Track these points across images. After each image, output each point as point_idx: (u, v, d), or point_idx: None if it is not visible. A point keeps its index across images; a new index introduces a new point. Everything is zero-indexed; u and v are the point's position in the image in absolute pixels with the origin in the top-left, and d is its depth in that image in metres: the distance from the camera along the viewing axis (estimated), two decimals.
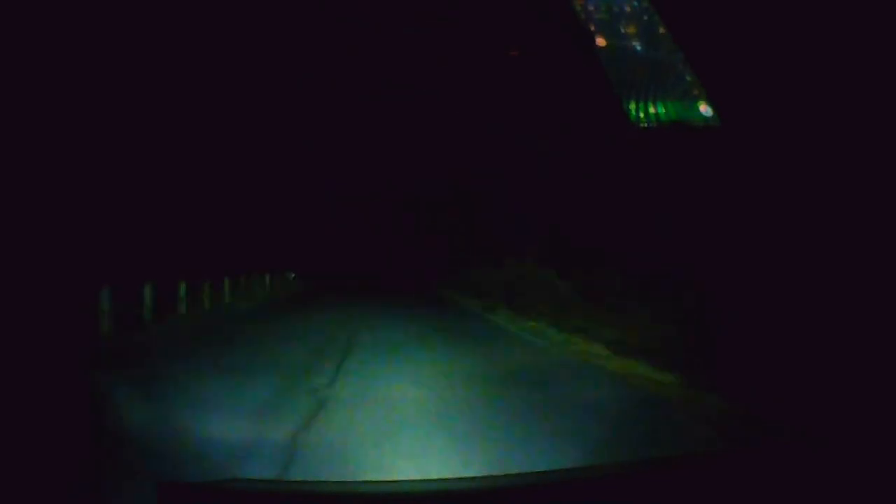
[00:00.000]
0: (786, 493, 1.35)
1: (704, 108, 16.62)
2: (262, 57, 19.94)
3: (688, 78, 17.25)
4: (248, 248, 18.15)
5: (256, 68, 19.65)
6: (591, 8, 18.74)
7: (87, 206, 10.36)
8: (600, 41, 17.98)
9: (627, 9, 19.25)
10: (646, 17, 19.39)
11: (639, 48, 18.49)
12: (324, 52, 22.08)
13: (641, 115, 16.63)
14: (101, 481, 2.14)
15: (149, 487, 1.30)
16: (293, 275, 22.65)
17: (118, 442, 2.78)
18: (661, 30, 18.86)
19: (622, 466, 1.90)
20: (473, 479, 2.07)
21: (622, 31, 18.67)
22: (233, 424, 3.28)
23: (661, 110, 16.95)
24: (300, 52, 21.61)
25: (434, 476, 2.38)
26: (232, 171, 18.14)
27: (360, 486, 1.89)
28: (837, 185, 6.76)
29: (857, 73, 7.68)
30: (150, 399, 3.87)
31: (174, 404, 3.78)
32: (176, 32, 14.42)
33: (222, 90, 17.32)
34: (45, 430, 2.70)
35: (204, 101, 15.96)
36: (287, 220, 23.24)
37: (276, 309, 13.32)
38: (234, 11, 17.58)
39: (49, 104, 9.45)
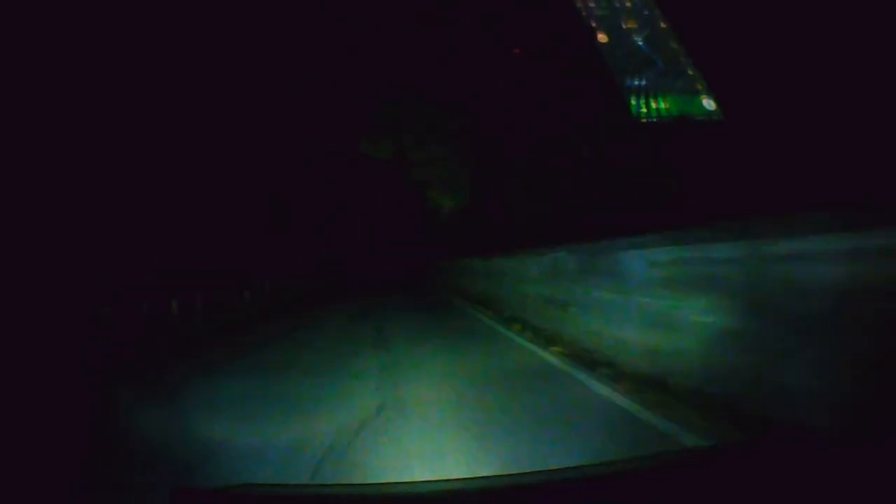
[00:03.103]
0: (786, 492, 1.34)
1: (707, 102, 16.59)
2: (262, 57, 19.94)
3: (690, 72, 17.22)
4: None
5: (255, 69, 19.65)
6: (591, 4, 18.70)
7: (86, 208, 10.38)
8: (601, 37, 17.95)
9: (628, 4, 19.22)
10: (646, 13, 19.33)
11: (640, 43, 18.44)
12: (324, 52, 22.05)
13: (643, 110, 16.60)
14: (114, 487, 2.14)
15: (162, 493, 1.30)
16: None
17: (131, 447, 2.79)
18: (662, 24, 18.82)
19: (622, 466, 1.89)
20: (476, 479, 2.07)
21: (623, 26, 18.64)
22: None
23: (663, 105, 16.93)
24: (300, 53, 21.59)
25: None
26: (229, 173, 18.16)
27: (371, 489, 1.89)
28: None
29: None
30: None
31: None
32: (172, 32, 14.42)
33: (220, 90, 17.32)
34: (45, 431, 2.71)
35: (201, 101, 15.97)
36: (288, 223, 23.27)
37: None
38: (233, 11, 17.58)
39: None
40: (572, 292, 5.86)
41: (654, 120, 16.57)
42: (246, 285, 12.49)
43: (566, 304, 5.95)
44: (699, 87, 16.94)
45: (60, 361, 4.75)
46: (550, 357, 5.19)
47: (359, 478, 2.51)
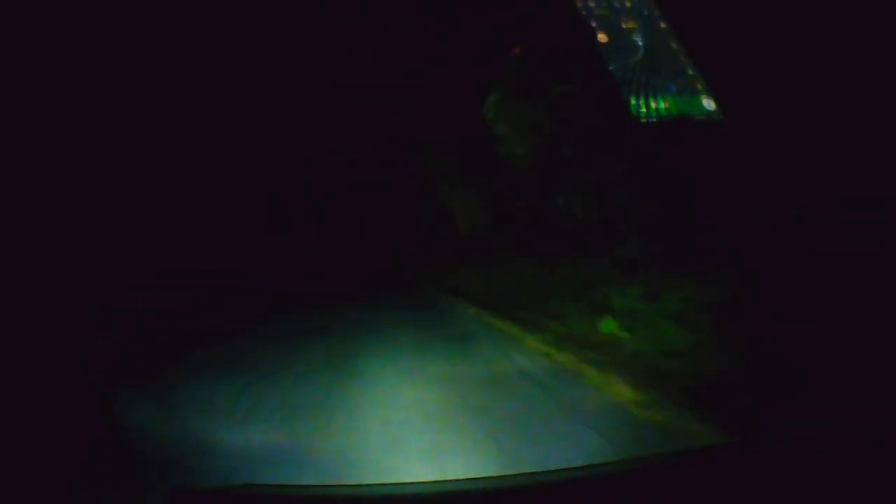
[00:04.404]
0: (786, 492, 1.34)
1: (707, 102, 16.59)
2: (262, 57, 19.96)
3: (690, 72, 17.22)
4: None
5: (255, 68, 19.67)
6: (591, 4, 18.70)
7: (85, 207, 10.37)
8: (602, 37, 17.95)
9: (628, 4, 19.22)
10: (646, 13, 19.34)
11: (640, 43, 18.44)
12: (324, 52, 22.05)
13: (643, 110, 16.59)
14: (115, 486, 2.14)
15: (162, 493, 1.30)
16: None
17: (131, 447, 2.79)
18: (662, 24, 18.83)
19: (622, 466, 1.90)
20: (477, 479, 2.07)
21: (623, 26, 18.64)
22: None
23: (663, 105, 16.91)
24: (300, 52, 21.60)
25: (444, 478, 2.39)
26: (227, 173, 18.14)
27: (369, 490, 1.89)
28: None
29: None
30: None
31: None
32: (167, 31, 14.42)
33: (217, 90, 17.33)
34: (45, 431, 2.70)
35: (199, 102, 15.98)
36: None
37: None
38: (233, 11, 17.59)
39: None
40: None
41: (654, 120, 16.57)
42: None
43: None
44: (699, 87, 16.94)
45: (60, 361, 4.75)
46: None
47: None
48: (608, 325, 6.26)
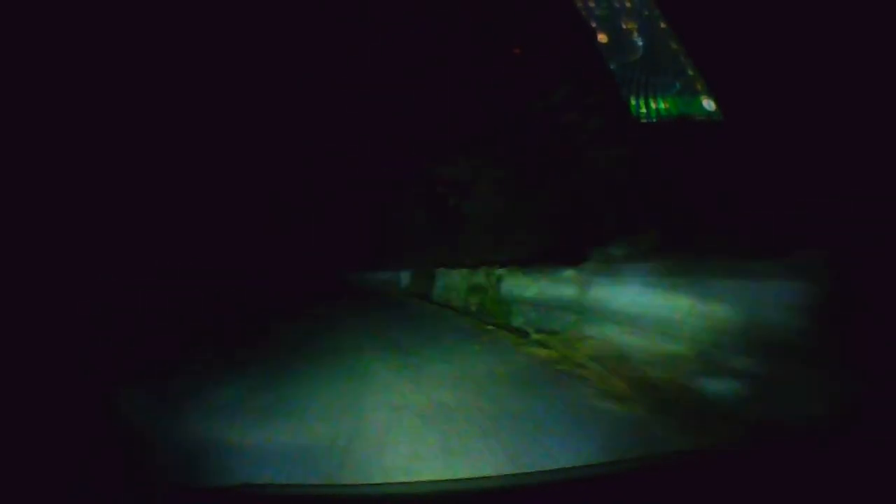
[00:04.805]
0: (786, 492, 1.34)
1: (707, 103, 16.60)
2: (262, 57, 19.95)
3: (689, 72, 17.22)
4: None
5: (255, 68, 19.66)
6: (591, 4, 18.72)
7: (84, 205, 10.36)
8: (602, 37, 17.95)
9: (628, 4, 19.23)
10: (646, 13, 19.33)
11: (640, 43, 18.45)
12: (324, 52, 22.05)
13: (643, 110, 16.59)
14: (115, 486, 2.14)
15: (162, 492, 1.30)
16: None
17: (132, 447, 2.79)
18: (662, 24, 18.82)
19: (622, 466, 1.90)
20: (476, 479, 2.06)
21: (623, 26, 18.66)
22: None
23: (663, 105, 16.90)
24: (300, 52, 21.60)
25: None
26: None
27: (371, 489, 1.89)
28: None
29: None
30: None
31: None
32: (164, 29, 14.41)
33: (221, 90, 17.33)
34: (46, 431, 2.71)
35: (202, 101, 15.98)
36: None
37: None
38: (233, 10, 17.58)
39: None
40: None
41: (654, 120, 16.57)
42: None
43: None
44: (699, 87, 16.95)
45: (60, 361, 4.75)
46: None
47: None
48: None
